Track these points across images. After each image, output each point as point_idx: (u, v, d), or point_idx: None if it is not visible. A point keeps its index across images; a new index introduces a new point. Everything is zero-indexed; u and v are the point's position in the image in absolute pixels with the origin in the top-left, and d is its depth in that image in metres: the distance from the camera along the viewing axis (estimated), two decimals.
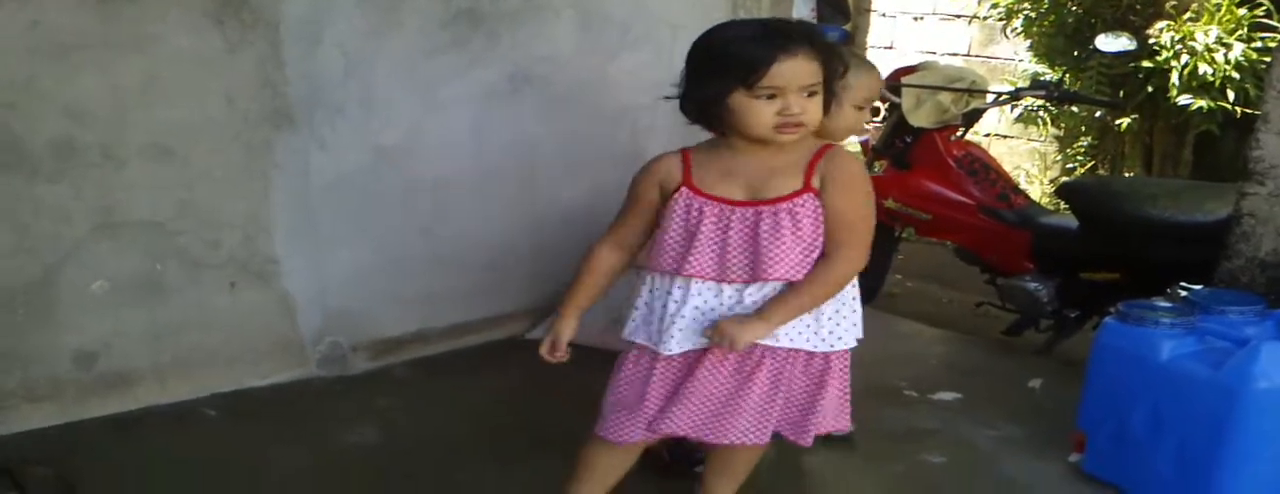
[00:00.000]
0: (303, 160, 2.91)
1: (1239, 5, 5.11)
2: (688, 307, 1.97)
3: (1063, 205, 4.12)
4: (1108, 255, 3.52)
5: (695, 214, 1.95)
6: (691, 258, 1.94)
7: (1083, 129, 6.13)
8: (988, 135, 6.61)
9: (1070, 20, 5.82)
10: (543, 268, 3.44)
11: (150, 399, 2.83)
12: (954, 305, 4.46)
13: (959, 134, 4.02)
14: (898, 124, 3.96)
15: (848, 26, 5.51)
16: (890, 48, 7.56)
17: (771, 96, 1.86)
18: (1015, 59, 6.52)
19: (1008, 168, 4.93)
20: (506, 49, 3.20)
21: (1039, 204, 4.18)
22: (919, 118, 3.88)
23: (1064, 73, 5.78)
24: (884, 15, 7.73)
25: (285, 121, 2.86)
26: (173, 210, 2.75)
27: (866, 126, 4.03)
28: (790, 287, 1.94)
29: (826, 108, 1.95)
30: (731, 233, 1.93)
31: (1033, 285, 3.69)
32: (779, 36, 1.86)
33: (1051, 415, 2.93)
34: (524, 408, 2.93)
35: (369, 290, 3.12)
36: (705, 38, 1.94)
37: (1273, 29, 4.94)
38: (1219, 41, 5.12)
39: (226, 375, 2.94)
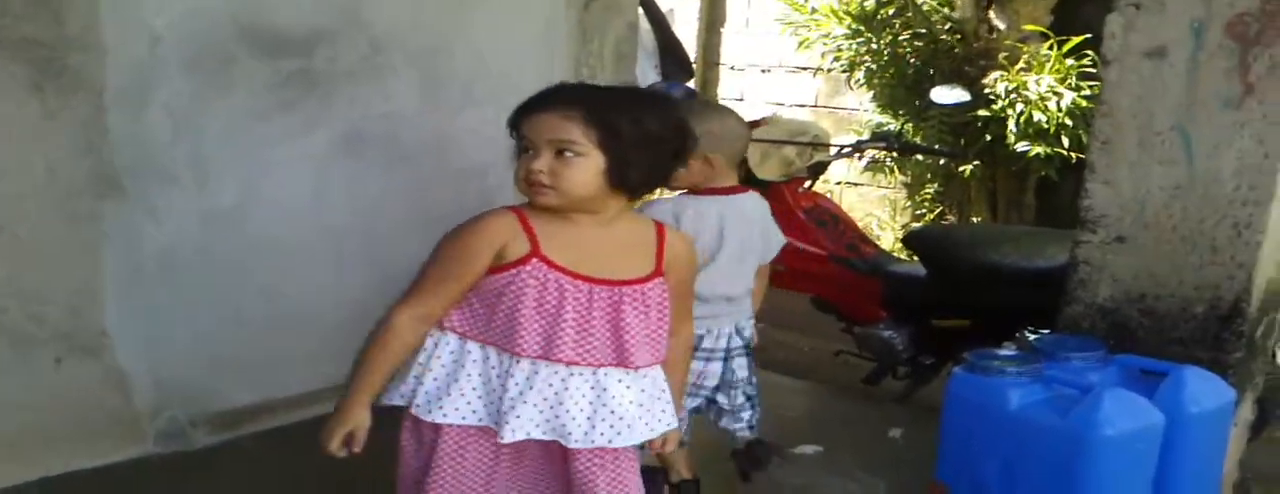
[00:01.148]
0: (133, 228, 2.77)
1: (1066, 56, 5.33)
2: (534, 391, 1.83)
3: (911, 254, 4.19)
4: (957, 302, 3.60)
5: (553, 292, 1.82)
6: (557, 342, 1.81)
7: (928, 176, 6.31)
8: (839, 184, 6.75)
9: (909, 72, 6.03)
10: None
11: None
12: (814, 354, 4.50)
13: (806, 186, 4.09)
14: (746, 178, 3.93)
15: (692, 82, 5.58)
16: (740, 100, 7.69)
17: (526, 151, 1.84)
18: (860, 109, 6.71)
19: (859, 215, 5.06)
20: (344, 108, 3.11)
21: (888, 252, 4.29)
22: (766, 171, 3.93)
23: (906, 123, 5.99)
24: (733, 68, 7.89)
25: (112, 189, 2.72)
26: None
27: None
28: (670, 374, 1.96)
29: (625, 182, 1.82)
30: (594, 315, 1.83)
31: (887, 333, 3.75)
32: (547, 92, 1.86)
33: (913, 465, 2.95)
34: (382, 480, 2.81)
35: (209, 360, 2.98)
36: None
37: (1098, 78, 5.14)
38: (1051, 90, 5.32)
39: (57, 457, 2.75)
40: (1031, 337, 2.70)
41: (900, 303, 3.79)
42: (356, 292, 3.22)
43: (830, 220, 4.01)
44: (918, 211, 6.49)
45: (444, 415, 1.88)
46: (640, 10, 4.38)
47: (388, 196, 3.27)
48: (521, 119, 1.83)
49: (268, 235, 3.03)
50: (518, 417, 1.83)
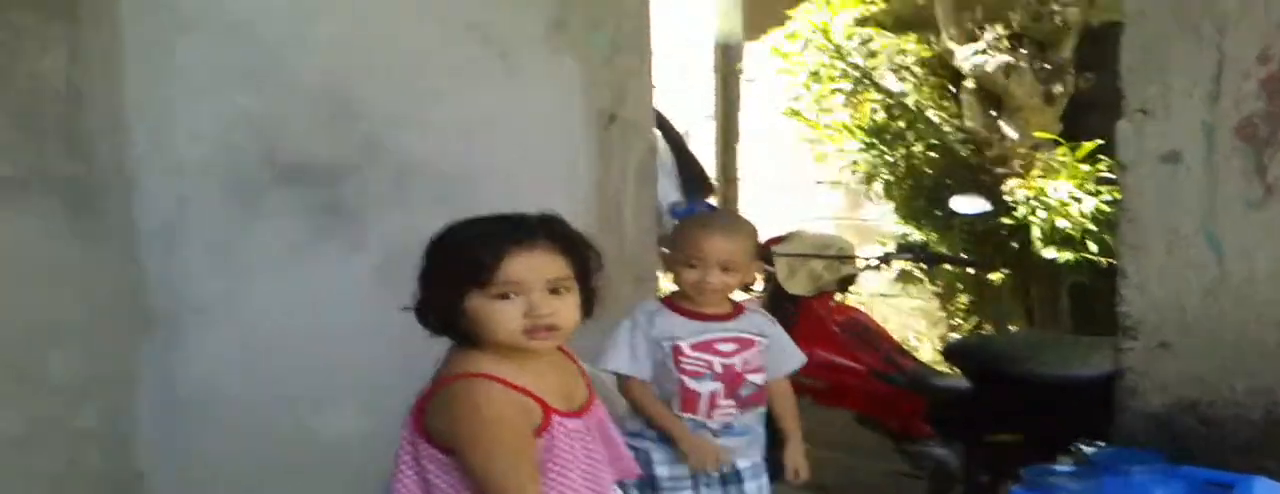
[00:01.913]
0: (166, 366, 2.75)
1: (1081, 161, 5.34)
2: None
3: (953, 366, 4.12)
4: (1005, 415, 3.51)
5: (579, 442, 1.73)
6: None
7: (960, 287, 6.25)
8: (872, 296, 6.70)
9: (926, 183, 5.99)
10: None
11: None
12: (862, 473, 4.36)
13: (837, 299, 4.05)
14: (776, 293, 3.96)
15: (713, 199, 5.60)
16: (762, 216, 7.60)
17: (506, 296, 1.67)
18: (882, 221, 6.63)
19: (896, 327, 5.00)
20: (375, 239, 3.09)
21: (929, 365, 4.22)
22: (795, 286, 3.90)
23: (929, 233, 5.94)
24: (754, 184, 7.86)
25: (147, 326, 2.71)
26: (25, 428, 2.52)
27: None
28: None
29: (588, 309, 1.76)
30: (594, 447, 1.79)
31: (940, 451, 3.67)
32: (512, 228, 1.70)
33: None
34: None
35: None
36: (437, 236, 1.77)
37: (1115, 182, 5.15)
38: (1071, 196, 5.31)
39: None
40: (1087, 450, 2.63)
41: (946, 418, 3.71)
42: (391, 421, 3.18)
43: (866, 334, 3.96)
44: (952, 322, 6.43)
45: None
46: (657, 131, 4.40)
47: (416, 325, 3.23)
48: (501, 260, 1.66)
49: (302, 365, 2.96)
50: None
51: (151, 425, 2.74)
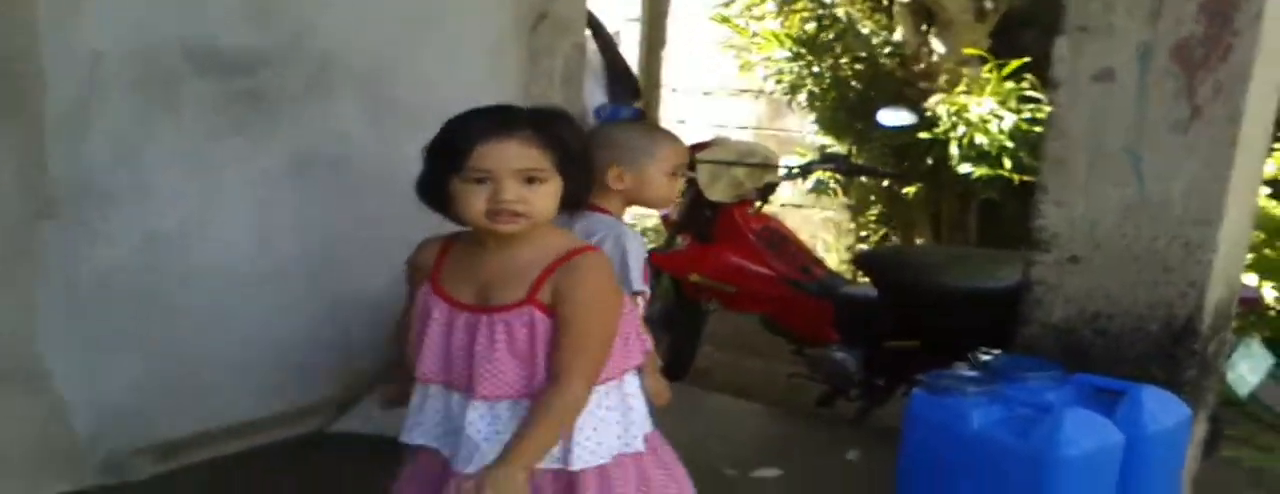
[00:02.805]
0: (70, 253, 2.69)
1: (1006, 79, 5.38)
2: (428, 410, 1.88)
3: (861, 275, 4.19)
4: (908, 323, 3.59)
5: (425, 312, 1.85)
6: (420, 359, 1.84)
7: (872, 199, 6.32)
8: (783, 206, 6.74)
9: (851, 95, 6.02)
10: (347, 358, 3.28)
11: None
12: (765, 376, 4.47)
13: (756, 207, 4.09)
14: (696, 199, 3.99)
15: (639, 104, 5.56)
16: (682, 123, 7.62)
17: (481, 181, 1.75)
18: (803, 132, 6.70)
19: (804, 238, 5.02)
20: (290, 130, 3.05)
21: (839, 274, 4.27)
22: (716, 192, 3.93)
23: (850, 145, 5.98)
24: (675, 90, 7.85)
25: (49, 213, 2.63)
26: None
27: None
28: (525, 417, 1.78)
29: (572, 200, 1.82)
30: (454, 339, 1.82)
31: (840, 356, 3.73)
32: (492, 119, 1.78)
33: (872, 487, 2.93)
34: None
35: (150, 389, 2.89)
36: (444, 124, 1.86)
37: (1037, 100, 5.21)
38: (992, 113, 5.36)
39: None
40: (985, 357, 2.70)
41: (851, 325, 3.79)
42: (305, 321, 3.19)
43: (781, 242, 4.01)
44: (861, 234, 6.51)
45: (411, 437, 1.91)
46: (588, 32, 4.35)
47: (338, 224, 3.21)
48: (473, 148, 1.75)
49: (212, 261, 2.96)
50: (411, 428, 1.89)
51: (53, 313, 2.69)
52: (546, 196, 1.78)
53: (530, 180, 1.76)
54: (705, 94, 7.67)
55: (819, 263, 4.15)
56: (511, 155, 1.75)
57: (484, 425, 1.81)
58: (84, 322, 2.74)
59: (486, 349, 1.79)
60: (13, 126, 2.55)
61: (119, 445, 2.87)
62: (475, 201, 1.76)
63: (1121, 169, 2.76)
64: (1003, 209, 5.60)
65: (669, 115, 7.82)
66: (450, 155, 1.76)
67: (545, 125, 1.79)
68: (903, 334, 3.62)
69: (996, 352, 2.75)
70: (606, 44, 4.99)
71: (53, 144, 2.62)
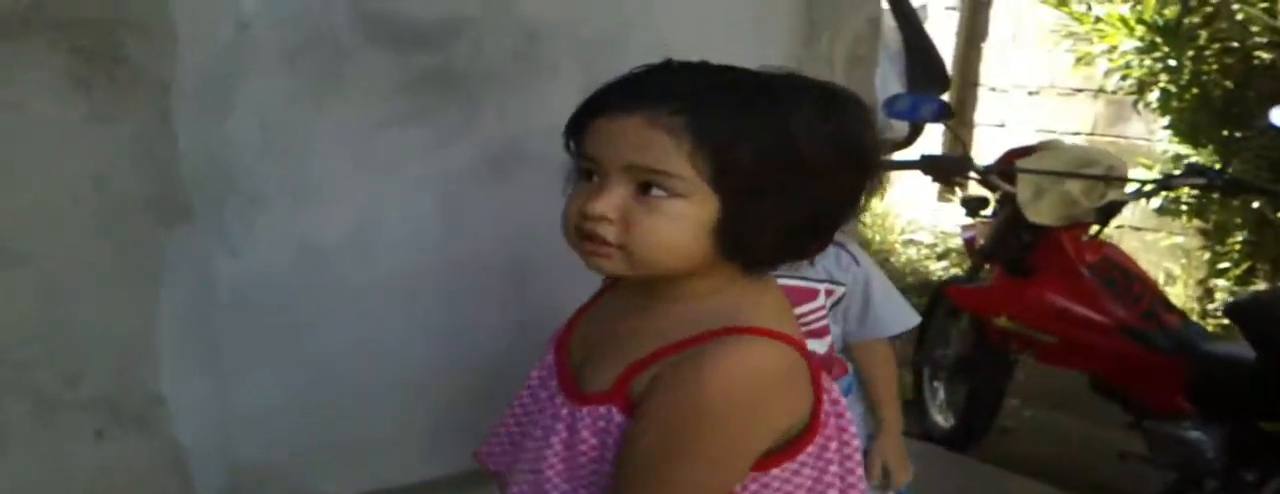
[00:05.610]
0: (203, 267, 2.30)
1: None
2: None
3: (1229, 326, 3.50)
4: None
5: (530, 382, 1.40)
6: (491, 434, 1.43)
7: (1237, 222, 5.47)
8: (1119, 227, 6.02)
9: (1217, 94, 5.27)
10: None
11: None
12: (1087, 449, 3.80)
13: (1092, 233, 3.49)
14: (1012, 220, 3.49)
15: (947, 97, 4.92)
16: (1001, 126, 7.10)
17: (590, 175, 1.16)
18: (1150, 139, 6.02)
19: (1145, 268, 4.30)
20: (491, 118, 2.61)
21: (1198, 325, 3.66)
22: (1040, 213, 3.36)
23: (1212, 155, 5.23)
24: (994, 90, 7.26)
25: (177, 213, 2.25)
26: (17, 333, 2.13)
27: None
28: None
29: (730, 239, 1.11)
30: (537, 428, 1.26)
31: (1194, 434, 3.09)
32: (632, 79, 1.17)
33: None
34: None
35: (292, 436, 2.49)
36: None
37: None
38: None
39: None
40: None
41: (1213, 394, 3.13)
42: (493, 352, 2.71)
43: (1123, 279, 3.40)
44: (1218, 265, 5.67)
45: None
46: (885, 3, 3.73)
47: (540, 232, 2.70)
48: (585, 126, 1.16)
49: (379, 279, 2.53)
50: None
51: (178, 338, 2.31)
52: (669, 222, 1.09)
53: (645, 188, 1.09)
54: (1030, 94, 7.07)
55: (1171, 308, 3.49)
56: (625, 141, 1.10)
57: None
58: (216, 353, 2.38)
59: (539, 447, 1.20)
60: (134, 107, 2.17)
61: None
62: (569, 207, 1.18)
63: None
64: None
65: (984, 118, 7.26)
66: (570, 129, 1.20)
67: (723, 105, 1.08)
68: None
69: None
70: (909, 20, 4.30)
71: (184, 131, 2.23)
